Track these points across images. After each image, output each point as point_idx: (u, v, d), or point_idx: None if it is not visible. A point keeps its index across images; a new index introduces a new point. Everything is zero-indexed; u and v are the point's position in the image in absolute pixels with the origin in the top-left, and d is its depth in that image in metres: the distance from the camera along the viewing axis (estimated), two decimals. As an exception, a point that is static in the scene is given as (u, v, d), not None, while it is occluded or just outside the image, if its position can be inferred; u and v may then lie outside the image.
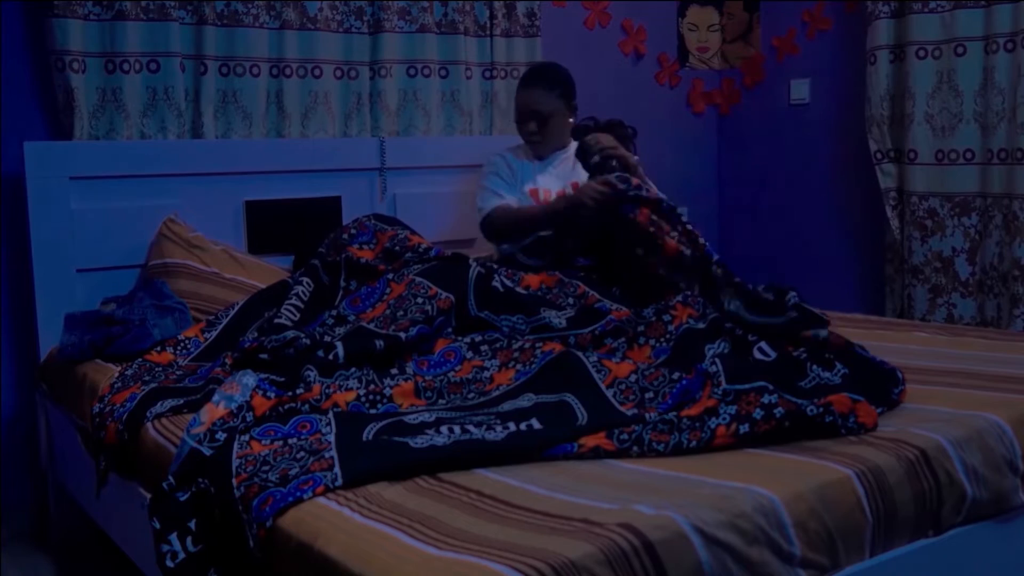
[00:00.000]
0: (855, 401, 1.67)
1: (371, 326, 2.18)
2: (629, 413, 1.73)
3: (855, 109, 3.74)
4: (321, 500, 1.44)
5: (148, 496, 1.71)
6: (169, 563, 1.57)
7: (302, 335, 2.12)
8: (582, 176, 3.09)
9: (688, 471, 1.50)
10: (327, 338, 2.13)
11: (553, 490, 1.43)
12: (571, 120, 3.13)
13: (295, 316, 2.34)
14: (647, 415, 1.72)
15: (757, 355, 1.95)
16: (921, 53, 3.46)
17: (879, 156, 3.60)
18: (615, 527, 1.25)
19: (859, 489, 1.47)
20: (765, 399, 1.65)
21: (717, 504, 1.35)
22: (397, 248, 2.57)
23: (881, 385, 1.82)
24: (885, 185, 3.59)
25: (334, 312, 2.32)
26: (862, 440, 1.61)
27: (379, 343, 2.08)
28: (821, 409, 1.63)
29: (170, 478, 1.67)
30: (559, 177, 3.09)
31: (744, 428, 1.62)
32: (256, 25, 3.13)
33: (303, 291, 2.47)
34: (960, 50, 3.38)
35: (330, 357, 2.02)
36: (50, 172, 2.76)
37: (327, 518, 1.38)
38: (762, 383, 1.69)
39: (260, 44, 3.14)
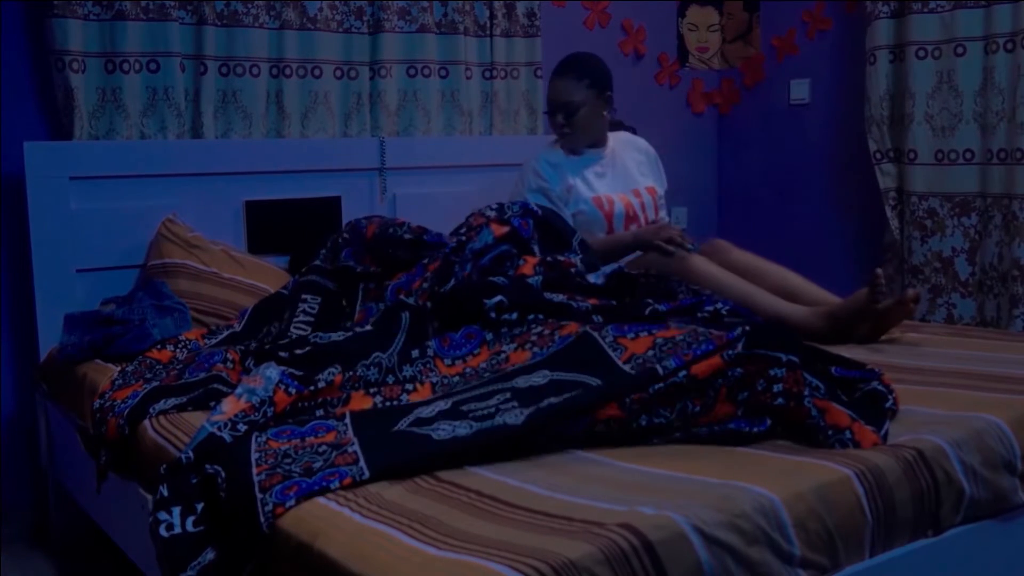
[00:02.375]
0: (853, 420, 1.64)
1: (410, 301, 2.26)
2: (638, 372, 1.71)
3: (855, 109, 3.74)
4: (321, 500, 1.44)
5: (149, 494, 1.71)
6: (163, 532, 1.54)
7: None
8: (642, 182, 3.05)
9: (688, 471, 1.50)
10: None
11: (553, 490, 1.43)
12: (606, 113, 3.01)
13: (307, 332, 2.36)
14: (661, 364, 1.67)
15: None
16: (921, 53, 3.46)
17: (879, 156, 3.60)
18: (615, 527, 1.25)
19: (859, 489, 1.47)
20: (772, 372, 1.64)
21: (717, 504, 1.35)
22: (390, 232, 2.64)
23: (874, 405, 1.75)
24: (885, 185, 3.59)
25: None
26: (862, 440, 1.61)
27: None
28: (823, 422, 1.62)
29: (189, 452, 1.65)
30: (617, 181, 3.01)
31: (743, 395, 1.63)
32: (256, 25, 3.13)
33: (308, 308, 2.49)
34: (960, 50, 3.38)
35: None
36: (50, 172, 2.76)
37: (327, 518, 1.39)
38: (778, 354, 1.65)
39: (260, 44, 3.14)
